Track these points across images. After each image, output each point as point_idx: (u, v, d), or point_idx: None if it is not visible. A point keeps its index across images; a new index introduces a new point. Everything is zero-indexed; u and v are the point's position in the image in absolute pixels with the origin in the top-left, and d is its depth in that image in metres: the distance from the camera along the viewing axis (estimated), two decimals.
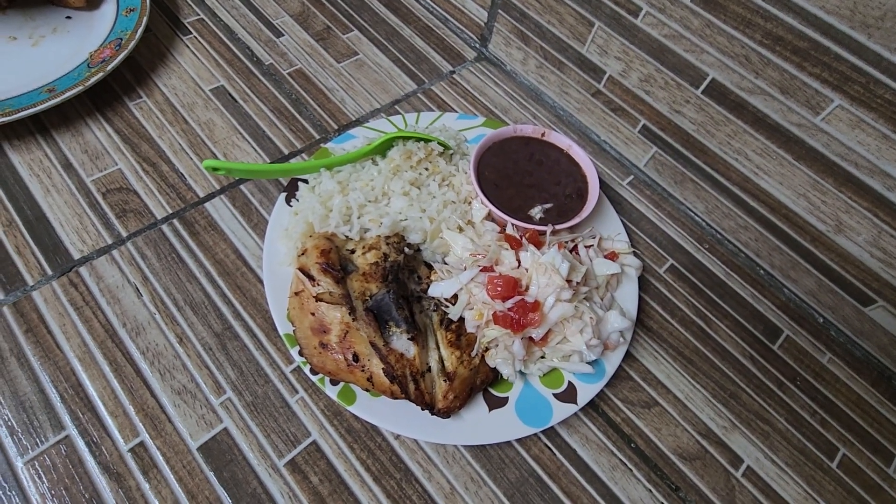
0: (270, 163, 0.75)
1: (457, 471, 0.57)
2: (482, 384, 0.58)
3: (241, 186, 0.72)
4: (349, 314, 0.56)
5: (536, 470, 0.58)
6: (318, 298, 0.56)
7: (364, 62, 0.89)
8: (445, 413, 0.55)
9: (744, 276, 0.77)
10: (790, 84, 0.61)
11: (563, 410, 0.59)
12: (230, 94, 0.81)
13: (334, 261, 0.59)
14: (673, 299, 0.73)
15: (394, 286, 0.58)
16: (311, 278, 0.57)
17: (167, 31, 0.86)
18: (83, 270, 0.63)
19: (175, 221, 0.68)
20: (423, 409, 0.55)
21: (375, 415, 0.56)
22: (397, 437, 0.58)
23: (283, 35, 0.90)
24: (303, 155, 0.77)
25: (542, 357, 0.61)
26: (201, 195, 0.71)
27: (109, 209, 0.68)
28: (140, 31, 0.79)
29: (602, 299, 0.65)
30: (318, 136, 0.79)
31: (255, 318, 0.63)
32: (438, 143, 0.72)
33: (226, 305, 0.63)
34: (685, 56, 0.68)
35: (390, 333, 0.55)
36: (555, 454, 0.59)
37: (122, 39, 0.78)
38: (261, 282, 0.65)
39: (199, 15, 0.89)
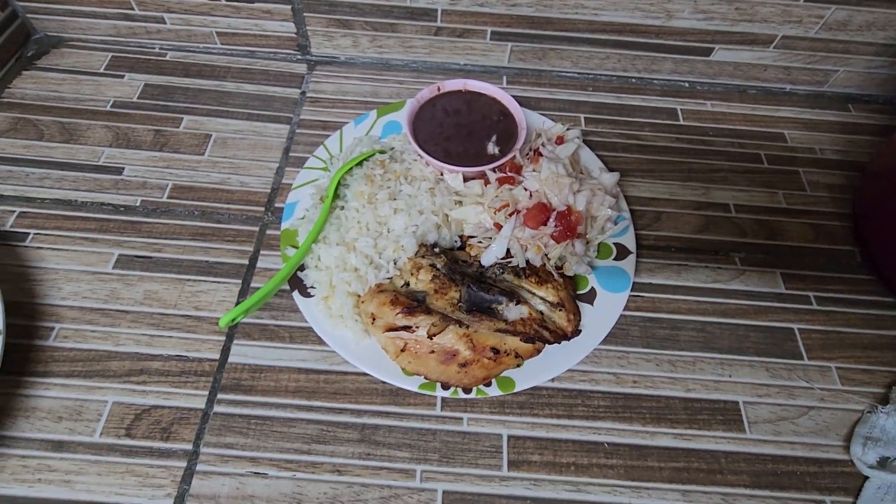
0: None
1: (608, 362, 0.66)
2: (575, 293, 0.66)
3: (243, 321, 0.66)
4: (461, 326, 0.58)
5: (646, 315, 0.69)
6: (429, 335, 0.57)
7: (223, 137, 0.82)
8: (576, 332, 0.63)
9: (626, 91, 0.93)
10: None
11: (628, 265, 0.70)
12: (138, 256, 0.70)
13: (406, 301, 0.60)
14: (608, 140, 0.86)
15: (467, 279, 0.61)
16: (404, 329, 0.58)
17: (2, 252, 0.69)
18: None
19: (221, 395, 0.61)
20: (560, 343, 0.62)
21: (532, 378, 0.61)
22: (553, 380, 0.64)
23: (123, 168, 0.78)
24: (260, 252, 0.72)
25: (588, 243, 0.70)
26: (217, 357, 0.64)
27: (150, 441, 0.58)
28: None
29: (582, 172, 0.75)
30: (256, 228, 0.74)
31: (374, 400, 0.62)
32: (378, 152, 0.72)
33: (340, 414, 0.61)
34: None
35: (500, 312, 0.60)
36: (644, 296, 0.71)
37: None
38: (349, 373, 0.63)
39: (14, 209, 0.73)
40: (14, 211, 0.72)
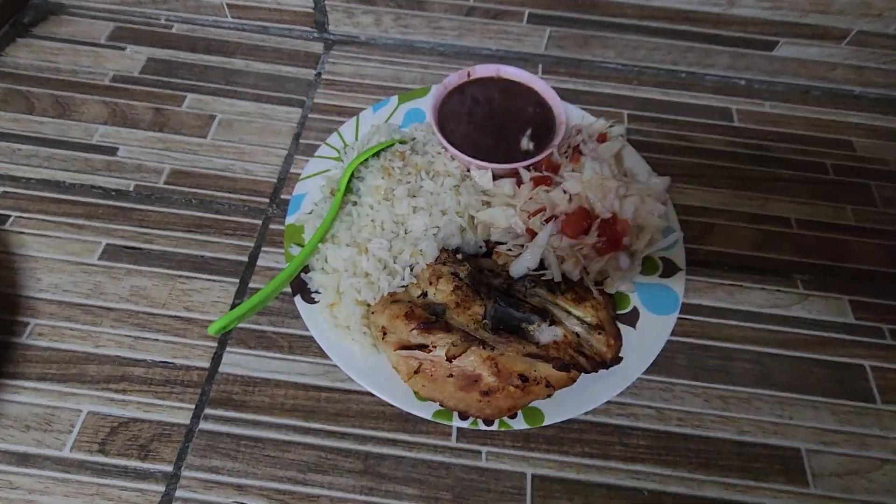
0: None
1: (650, 394, 0.57)
2: (614, 313, 0.58)
3: (239, 326, 0.59)
4: (485, 347, 0.50)
5: (694, 342, 0.61)
6: (449, 358, 0.49)
7: (228, 119, 0.75)
8: (617, 359, 0.54)
9: (674, 86, 0.84)
10: None
11: (677, 283, 0.61)
12: (127, 247, 0.63)
13: (423, 315, 0.52)
14: (654, 140, 0.77)
15: (494, 292, 0.53)
16: (419, 347, 0.50)
17: None
18: None
19: (208, 410, 0.54)
20: (598, 371, 0.54)
21: (566, 410, 0.53)
22: (587, 413, 0.56)
23: (118, 148, 0.71)
24: (262, 248, 0.64)
25: (632, 256, 0.61)
26: (206, 366, 0.57)
27: (125, 459, 0.51)
28: None
29: (626, 175, 0.67)
30: (259, 221, 0.66)
31: (381, 425, 0.54)
32: (398, 142, 0.64)
33: (342, 440, 0.53)
34: None
35: (531, 334, 0.52)
36: (693, 319, 0.62)
37: None
38: (354, 392, 0.55)
39: (5, 188, 0.66)
40: None
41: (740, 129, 0.80)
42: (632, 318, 0.59)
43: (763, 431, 0.56)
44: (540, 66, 0.84)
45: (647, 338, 0.58)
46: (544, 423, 0.53)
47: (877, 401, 0.58)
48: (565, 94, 0.80)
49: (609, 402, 0.56)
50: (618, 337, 0.55)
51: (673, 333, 0.60)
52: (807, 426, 0.57)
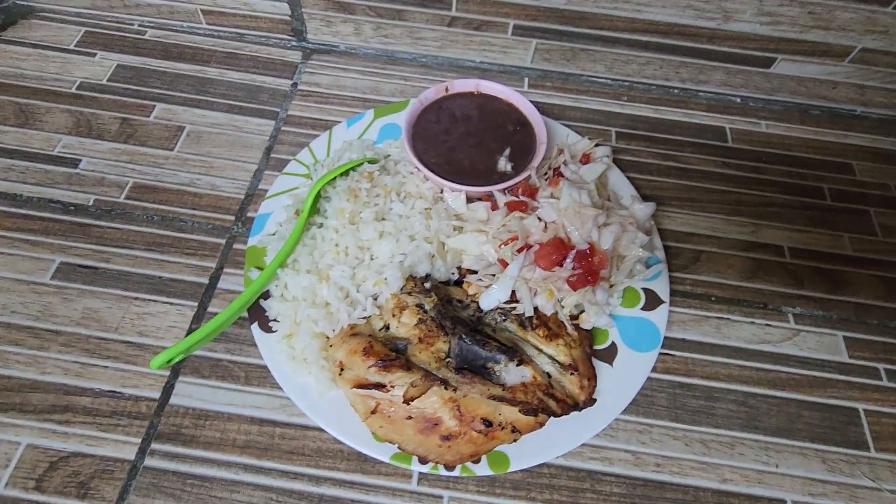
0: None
1: (626, 436, 0.54)
2: (591, 349, 0.55)
3: (194, 354, 0.56)
4: (446, 388, 0.47)
5: (676, 380, 0.57)
6: (406, 400, 0.46)
7: (198, 131, 0.72)
8: (590, 401, 0.51)
9: (666, 103, 0.80)
10: None
11: (658, 317, 0.58)
12: (82, 265, 0.60)
13: (382, 351, 0.49)
14: (642, 161, 0.74)
15: (459, 328, 0.50)
16: (377, 386, 0.47)
17: None
18: None
19: (155, 445, 0.51)
20: (569, 413, 0.50)
21: (536, 455, 0.50)
22: (559, 456, 0.52)
23: (80, 160, 0.68)
24: (224, 270, 0.61)
25: (611, 286, 0.58)
26: (157, 396, 0.54)
27: (62, 497, 0.48)
28: None
29: (610, 199, 0.63)
30: (222, 241, 0.63)
31: (337, 465, 0.51)
32: (368, 161, 0.61)
33: (295, 480, 0.50)
34: None
35: (497, 374, 0.48)
36: (675, 355, 0.59)
37: None
38: (308, 428, 0.52)
39: None
40: None
41: (734, 150, 0.76)
42: (609, 355, 0.56)
43: (746, 480, 0.52)
44: (525, 79, 0.81)
45: (625, 376, 0.54)
46: (510, 470, 0.49)
47: (870, 448, 0.55)
48: (551, 110, 0.77)
49: (583, 444, 0.53)
50: (592, 377, 0.51)
51: (654, 370, 0.57)
52: (794, 475, 0.53)
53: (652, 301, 0.59)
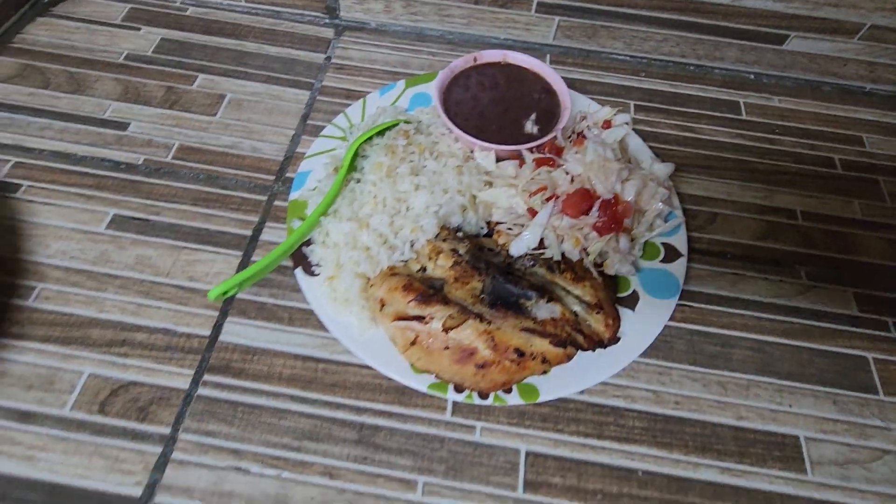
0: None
1: (647, 377, 0.57)
2: (615, 295, 0.58)
3: (240, 296, 0.60)
4: (482, 321, 0.51)
5: (694, 328, 0.60)
6: (445, 329, 0.49)
7: (238, 99, 0.76)
8: (615, 339, 0.54)
9: (682, 79, 0.83)
10: None
11: (677, 268, 0.61)
12: (134, 218, 0.64)
13: (421, 287, 0.52)
14: (660, 131, 0.77)
15: (492, 269, 0.53)
16: (416, 319, 0.51)
17: None
18: (161, 499, 0.49)
19: (207, 377, 0.55)
20: (595, 350, 0.53)
21: (560, 388, 0.53)
22: (582, 392, 0.56)
23: (129, 124, 0.72)
24: (266, 224, 0.65)
25: (633, 240, 0.61)
26: (207, 334, 0.57)
27: (124, 420, 0.52)
28: None
29: (630, 162, 0.67)
30: (264, 197, 0.67)
31: (377, 398, 0.54)
32: (403, 122, 0.65)
33: (338, 410, 0.54)
34: None
35: (528, 309, 0.52)
36: (693, 306, 0.62)
37: None
38: (351, 364, 0.56)
39: (9, 159, 0.68)
40: (9, 160, 0.67)
41: (748, 123, 0.79)
42: (631, 302, 0.59)
43: (761, 418, 0.55)
44: (548, 56, 0.85)
45: (646, 321, 0.58)
46: (539, 400, 0.53)
47: (879, 392, 0.58)
48: (573, 84, 0.80)
49: (606, 384, 0.56)
50: (616, 317, 0.55)
51: (673, 319, 0.60)
52: (806, 414, 0.56)
53: (671, 254, 0.62)
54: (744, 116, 0.80)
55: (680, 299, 0.61)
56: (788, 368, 0.58)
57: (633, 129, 0.74)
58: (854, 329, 0.62)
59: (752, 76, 0.84)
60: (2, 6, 0.78)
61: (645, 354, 0.57)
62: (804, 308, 0.63)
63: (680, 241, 0.63)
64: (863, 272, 0.66)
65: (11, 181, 0.66)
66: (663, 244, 0.63)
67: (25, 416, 0.52)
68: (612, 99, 0.80)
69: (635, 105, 0.80)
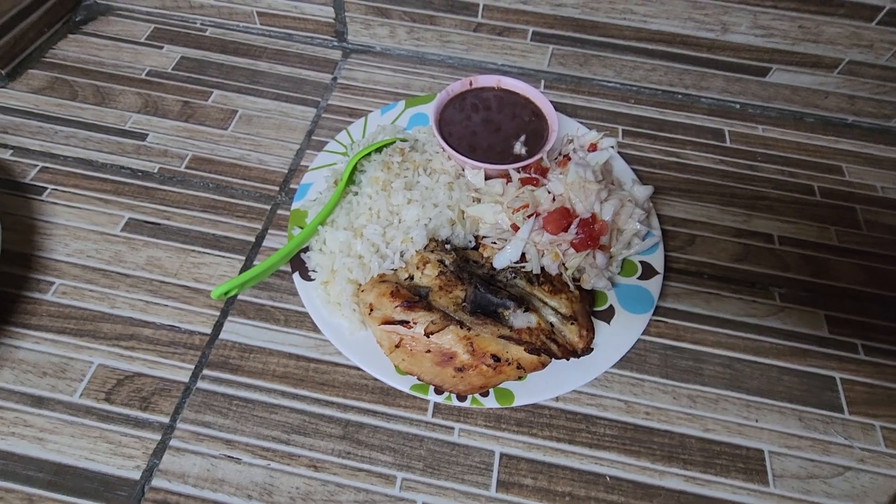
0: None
1: (620, 388, 0.60)
2: (591, 308, 0.61)
3: (240, 297, 0.64)
4: (461, 327, 0.54)
5: (668, 343, 0.63)
6: (427, 333, 0.53)
7: (249, 114, 0.81)
8: (587, 350, 0.57)
9: (670, 106, 0.88)
10: None
11: (653, 285, 0.65)
12: (148, 221, 0.69)
13: (407, 294, 0.56)
14: (645, 155, 0.81)
15: (475, 279, 0.57)
16: (401, 323, 0.54)
17: (18, 202, 0.69)
18: (158, 482, 0.52)
19: (206, 371, 0.59)
20: (569, 359, 0.57)
21: (535, 394, 0.56)
22: (557, 399, 0.59)
23: (147, 134, 0.78)
24: (268, 231, 0.70)
25: (611, 257, 0.65)
26: (208, 331, 0.62)
27: (127, 409, 0.56)
28: None
29: (613, 183, 0.70)
30: (268, 207, 0.72)
31: (363, 397, 0.58)
32: (400, 140, 0.69)
33: (325, 407, 0.57)
34: None
35: (506, 318, 0.55)
36: (667, 322, 0.65)
37: None
38: (340, 365, 0.60)
39: (37, 164, 0.73)
40: (37, 165, 0.73)
41: (732, 150, 0.83)
42: (607, 315, 0.62)
43: (728, 431, 0.58)
44: (542, 81, 0.89)
45: (620, 333, 0.61)
46: (514, 404, 0.56)
47: (844, 411, 0.60)
48: (564, 109, 0.85)
49: (580, 392, 0.59)
50: (590, 329, 0.58)
51: (648, 334, 0.63)
52: (772, 429, 0.58)
53: (648, 272, 0.66)
54: (728, 144, 0.84)
55: (656, 315, 0.64)
56: (758, 385, 0.61)
57: (621, 153, 0.78)
58: (824, 350, 0.64)
59: (737, 106, 0.88)
60: (36, 23, 0.84)
61: (619, 366, 0.60)
62: (776, 328, 0.66)
63: (657, 260, 0.67)
64: (835, 296, 0.69)
65: (37, 184, 0.71)
66: (641, 262, 0.66)
67: (38, 401, 0.56)
68: (603, 123, 0.84)
69: (624, 130, 0.84)
